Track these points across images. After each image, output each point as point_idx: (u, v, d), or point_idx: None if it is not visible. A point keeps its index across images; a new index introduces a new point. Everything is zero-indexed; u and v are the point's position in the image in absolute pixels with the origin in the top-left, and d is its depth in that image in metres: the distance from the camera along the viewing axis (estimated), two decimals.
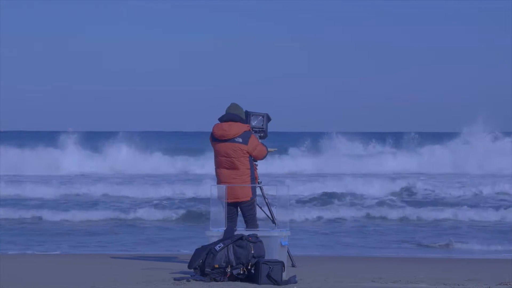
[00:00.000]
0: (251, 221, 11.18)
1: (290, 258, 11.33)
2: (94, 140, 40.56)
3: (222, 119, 11.15)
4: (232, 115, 11.14)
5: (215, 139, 11.15)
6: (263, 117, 11.74)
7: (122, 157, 37.46)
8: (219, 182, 11.18)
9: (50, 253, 14.37)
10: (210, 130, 11.21)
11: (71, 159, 36.76)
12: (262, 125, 11.70)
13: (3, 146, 38.09)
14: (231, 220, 11.10)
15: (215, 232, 10.36)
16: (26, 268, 11.63)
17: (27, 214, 20.18)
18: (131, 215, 20.11)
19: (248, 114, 11.62)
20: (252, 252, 9.88)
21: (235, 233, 10.13)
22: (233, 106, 11.31)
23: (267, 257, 9.96)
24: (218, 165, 11.23)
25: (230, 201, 11.08)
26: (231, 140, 11.03)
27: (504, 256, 14.18)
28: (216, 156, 11.22)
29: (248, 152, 11.06)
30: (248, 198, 11.15)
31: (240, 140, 11.02)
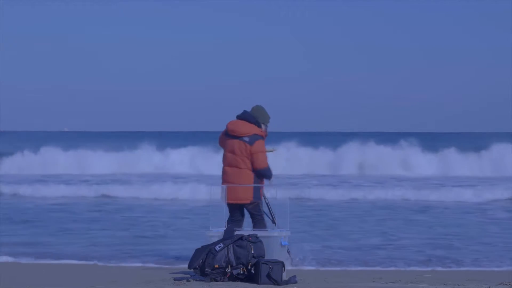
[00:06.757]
0: (258, 223, 11.15)
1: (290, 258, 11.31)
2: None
3: (238, 117, 11.22)
4: (248, 115, 11.17)
5: (227, 134, 11.19)
6: None
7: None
8: (223, 181, 11.20)
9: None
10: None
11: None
12: None
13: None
14: (236, 222, 11.08)
15: (215, 232, 10.36)
16: (26, 268, 11.62)
17: None
18: None
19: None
20: (252, 252, 9.88)
21: (235, 233, 10.13)
22: (256, 108, 11.27)
23: (267, 257, 9.96)
24: (224, 163, 11.26)
25: (232, 202, 11.08)
26: (239, 138, 11.06)
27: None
28: (224, 153, 11.25)
29: (251, 153, 11.02)
30: (248, 201, 11.12)
31: (247, 139, 11.05)
